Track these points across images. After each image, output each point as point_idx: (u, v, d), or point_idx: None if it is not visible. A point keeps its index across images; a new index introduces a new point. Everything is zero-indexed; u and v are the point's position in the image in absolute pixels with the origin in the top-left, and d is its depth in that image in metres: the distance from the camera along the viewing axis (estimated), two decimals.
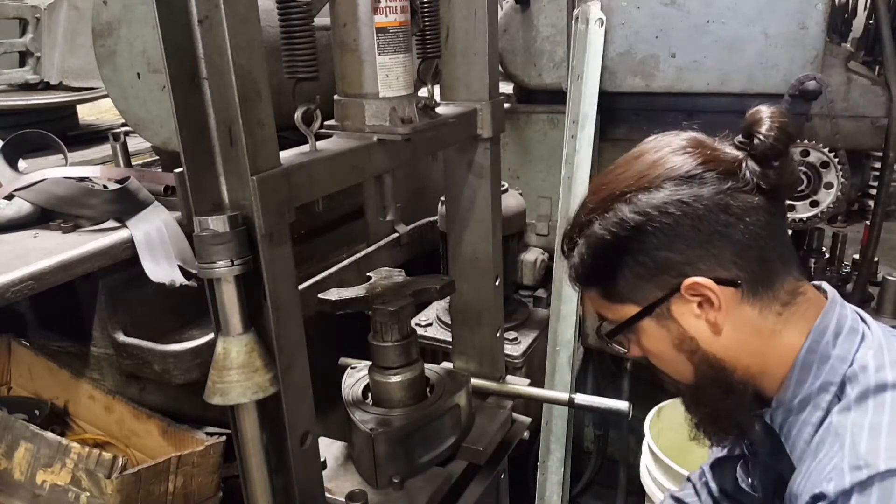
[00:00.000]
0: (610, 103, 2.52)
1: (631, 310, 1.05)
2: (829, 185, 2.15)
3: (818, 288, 1.07)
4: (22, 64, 2.86)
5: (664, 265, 0.99)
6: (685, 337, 1.03)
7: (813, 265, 2.49)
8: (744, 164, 0.97)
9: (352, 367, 1.52)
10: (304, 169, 1.00)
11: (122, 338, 1.62)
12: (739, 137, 1.01)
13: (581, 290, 1.12)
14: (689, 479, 1.46)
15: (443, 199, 1.58)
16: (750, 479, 1.25)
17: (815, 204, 2.18)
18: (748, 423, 1.08)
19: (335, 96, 1.19)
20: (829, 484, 0.86)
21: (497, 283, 1.53)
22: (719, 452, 1.36)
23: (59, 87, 2.79)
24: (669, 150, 1.01)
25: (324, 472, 1.24)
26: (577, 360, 2.49)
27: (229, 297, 0.93)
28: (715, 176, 0.97)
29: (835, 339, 0.99)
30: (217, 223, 0.90)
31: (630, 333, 1.09)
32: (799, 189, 2.16)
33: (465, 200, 1.48)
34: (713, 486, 1.37)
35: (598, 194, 1.05)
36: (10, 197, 1.69)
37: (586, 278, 1.08)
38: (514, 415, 1.60)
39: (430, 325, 2.45)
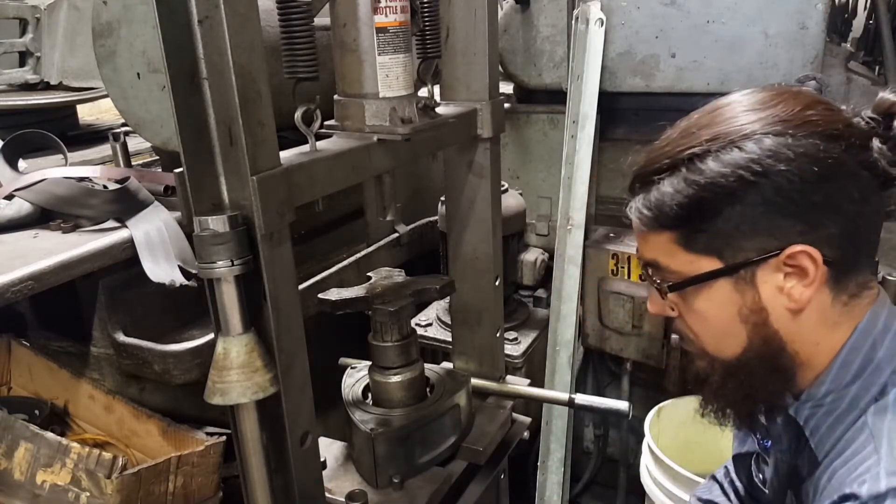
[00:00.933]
0: (610, 103, 2.52)
1: (709, 264, 0.95)
2: None
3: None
4: (22, 64, 2.86)
5: (774, 224, 0.90)
6: (757, 307, 0.95)
7: None
8: (874, 145, 0.91)
9: (352, 367, 1.52)
10: (304, 169, 1.00)
11: (122, 338, 1.62)
12: (869, 113, 0.94)
13: (649, 230, 0.99)
14: (714, 478, 1.42)
15: (443, 199, 1.58)
16: (760, 475, 1.23)
17: None
18: (779, 408, 1.03)
19: (335, 96, 1.19)
20: (861, 486, 0.84)
21: (497, 283, 1.53)
22: (740, 448, 1.33)
23: (59, 87, 2.79)
24: (813, 100, 0.93)
25: (324, 472, 1.24)
26: (577, 360, 2.50)
27: (229, 297, 0.93)
28: (857, 144, 0.90)
29: (882, 339, 0.95)
30: (217, 223, 0.90)
31: (688, 290, 0.99)
32: None
33: (465, 200, 1.48)
34: (738, 484, 1.34)
35: (717, 127, 0.94)
36: (10, 197, 1.69)
37: (670, 219, 0.95)
38: (514, 415, 1.60)
39: (430, 325, 2.45)
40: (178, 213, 1.64)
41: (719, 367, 1.03)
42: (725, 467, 1.40)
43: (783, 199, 0.89)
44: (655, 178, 0.96)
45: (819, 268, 0.90)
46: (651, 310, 1.08)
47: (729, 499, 1.36)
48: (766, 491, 1.19)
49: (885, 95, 0.94)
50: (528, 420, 1.62)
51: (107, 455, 1.35)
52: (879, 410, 0.91)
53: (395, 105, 1.15)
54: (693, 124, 0.98)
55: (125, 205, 1.67)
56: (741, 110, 0.95)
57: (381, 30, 1.11)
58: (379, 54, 1.12)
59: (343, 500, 1.25)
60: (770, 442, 1.15)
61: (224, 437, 1.56)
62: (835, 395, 0.95)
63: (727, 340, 0.99)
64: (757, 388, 1.00)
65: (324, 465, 1.27)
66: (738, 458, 1.32)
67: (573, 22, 2.45)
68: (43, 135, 2.01)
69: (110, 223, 1.66)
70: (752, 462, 1.27)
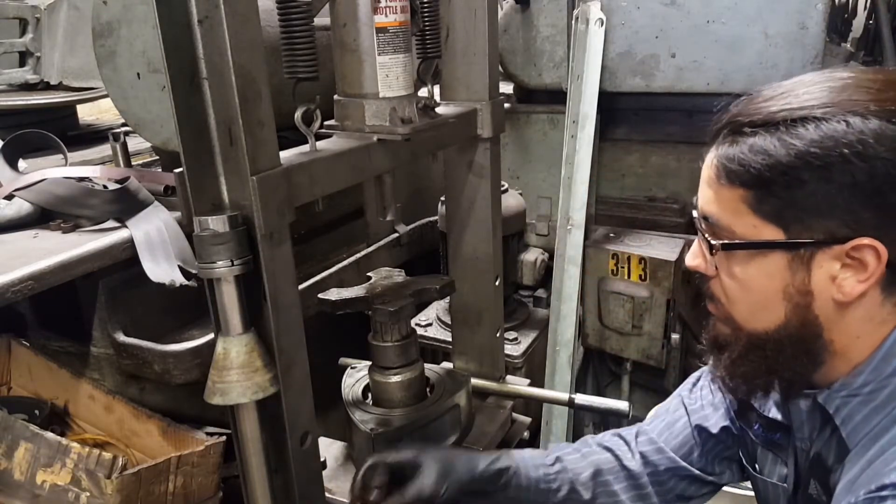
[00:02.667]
0: (610, 103, 2.53)
1: (771, 233, 0.90)
2: None
3: None
4: (22, 64, 2.86)
5: (854, 211, 0.85)
6: (805, 290, 0.91)
7: None
8: None
9: (352, 367, 1.52)
10: (304, 169, 1.00)
11: (122, 338, 1.62)
12: None
13: (723, 183, 0.93)
14: (620, 437, 1.36)
15: (443, 199, 1.58)
16: (757, 464, 1.20)
17: None
18: (797, 391, 1.01)
19: (335, 96, 1.19)
20: None
21: (497, 283, 1.53)
22: (704, 421, 1.28)
23: (59, 87, 2.79)
24: None
25: (324, 472, 1.24)
26: (577, 360, 2.50)
27: (229, 297, 0.93)
28: None
29: None
30: (217, 223, 0.90)
31: (738, 253, 0.94)
32: None
33: (465, 200, 1.48)
34: (665, 456, 1.29)
35: (826, 95, 0.88)
36: (10, 197, 1.69)
37: (750, 177, 0.89)
38: (514, 415, 1.61)
39: (430, 325, 2.45)
40: (178, 213, 1.64)
41: (744, 337, 1.00)
42: (648, 436, 1.33)
43: (872, 188, 0.84)
44: (747, 131, 0.90)
45: (880, 266, 0.87)
46: (689, 263, 1.03)
47: (633, 457, 1.31)
48: (775, 481, 1.16)
49: None
50: (528, 420, 1.62)
51: (107, 455, 1.35)
52: None
53: (395, 105, 1.15)
54: (800, 85, 0.92)
55: (125, 205, 1.67)
56: (855, 84, 0.89)
57: (381, 30, 1.11)
58: (379, 54, 1.12)
59: (344, 499, 1.26)
60: (779, 434, 1.12)
61: (224, 437, 1.56)
62: (874, 386, 0.93)
63: (763, 314, 0.96)
64: (782, 365, 0.97)
65: (324, 465, 1.27)
66: (713, 438, 1.28)
67: (573, 22, 2.45)
68: (43, 135, 2.01)
69: (110, 223, 1.66)
70: (743, 451, 1.24)
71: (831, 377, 0.98)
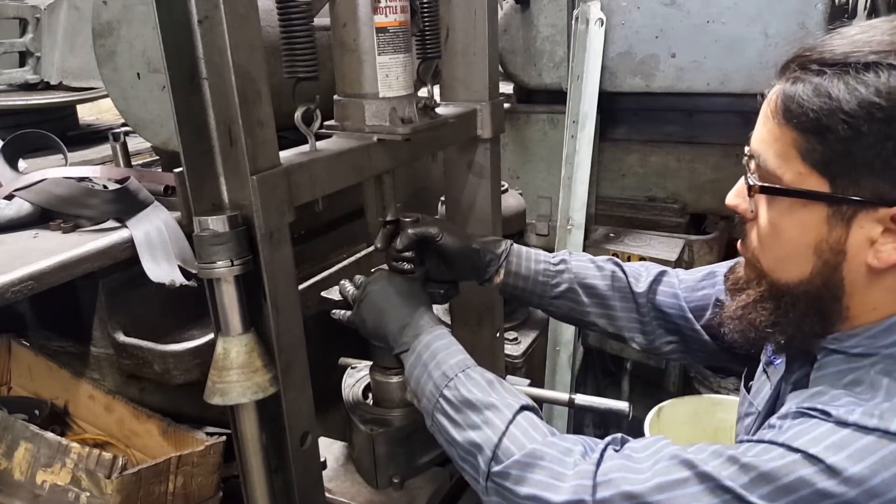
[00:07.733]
0: (610, 103, 2.53)
1: (815, 183, 0.86)
2: None
3: None
4: (22, 64, 2.86)
5: None
6: (839, 248, 0.87)
7: None
8: None
9: (352, 367, 1.52)
10: (304, 169, 1.00)
11: (122, 338, 1.62)
12: None
13: (777, 121, 0.89)
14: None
15: (443, 199, 1.58)
16: (752, 383, 1.16)
17: None
18: (797, 349, 0.99)
19: (335, 96, 1.19)
20: (837, 410, 0.81)
21: None
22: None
23: (59, 87, 2.79)
24: None
25: (324, 472, 1.24)
26: (577, 360, 2.50)
27: (229, 297, 0.93)
28: None
29: None
30: (217, 223, 0.90)
31: (778, 198, 0.90)
32: None
33: (465, 200, 1.48)
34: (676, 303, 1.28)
35: None
36: (10, 197, 1.69)
37: (806, 120, 0.85)
38: None
39: None
40: (178, 213, 1.64)
41: (765, 284, 0.97)
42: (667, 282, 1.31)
43: None
44: (814, 69, 0.85)
45: None
46: (729, 202, 1.00)
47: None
48: (753, 402, 1.13)
49: None
50: None
51: (107, 455, 1.35)
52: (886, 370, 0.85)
53: (395, 105, 1.15)
54: (884, 25, 0.86)
55: (125, 205, 1.67)
56: None
57: (381, 30, 1.11)
58: (379, 54, 1.13)
59: (345, 500, 1.26)
60: (780, 361, 1.09)
61: (224, 437, 1.56)
62: (862, 351, 0.90)
63: (789, 265, 0.93)
64: (790, 321, 0.95)
65: (324, 465, 1.27)
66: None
67: (573, 22, 2.45)
68: (43, 135, 2.01)
69: (110, 223, 1.66)
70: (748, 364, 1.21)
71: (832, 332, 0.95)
